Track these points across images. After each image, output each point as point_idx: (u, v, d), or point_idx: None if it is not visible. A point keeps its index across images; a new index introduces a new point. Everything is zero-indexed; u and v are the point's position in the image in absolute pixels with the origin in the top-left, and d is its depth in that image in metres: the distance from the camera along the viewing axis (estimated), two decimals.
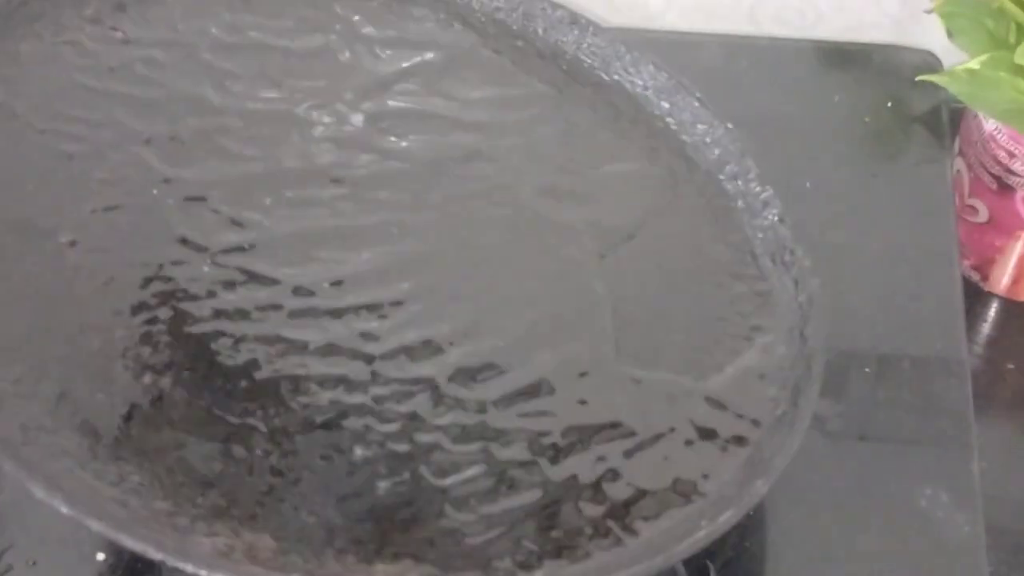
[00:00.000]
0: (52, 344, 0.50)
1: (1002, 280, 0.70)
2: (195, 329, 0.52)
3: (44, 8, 0.60)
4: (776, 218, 0.58)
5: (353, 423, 0.50)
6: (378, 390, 0.51)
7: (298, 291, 0.54)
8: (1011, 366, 0.67)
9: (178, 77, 0.61)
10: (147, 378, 0.50)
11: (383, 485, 0.49)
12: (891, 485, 0.56)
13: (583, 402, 0.52)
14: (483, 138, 0.61)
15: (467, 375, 0.52)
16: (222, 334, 0.52)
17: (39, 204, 0.54)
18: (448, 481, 0.49)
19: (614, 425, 0.51)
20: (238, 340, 0.52)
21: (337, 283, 0.54)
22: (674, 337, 0.55)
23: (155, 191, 0.56)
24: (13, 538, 0.55)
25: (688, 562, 0.51)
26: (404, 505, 0.48)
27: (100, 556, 0.54)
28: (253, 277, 0.54)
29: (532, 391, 0.52)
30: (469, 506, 0.48)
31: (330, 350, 0.52)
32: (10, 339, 0.49)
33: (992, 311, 0.70)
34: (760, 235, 0.59)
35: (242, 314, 0.53)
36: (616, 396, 0.53)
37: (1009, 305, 0.70)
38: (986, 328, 0.70)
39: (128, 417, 0.49)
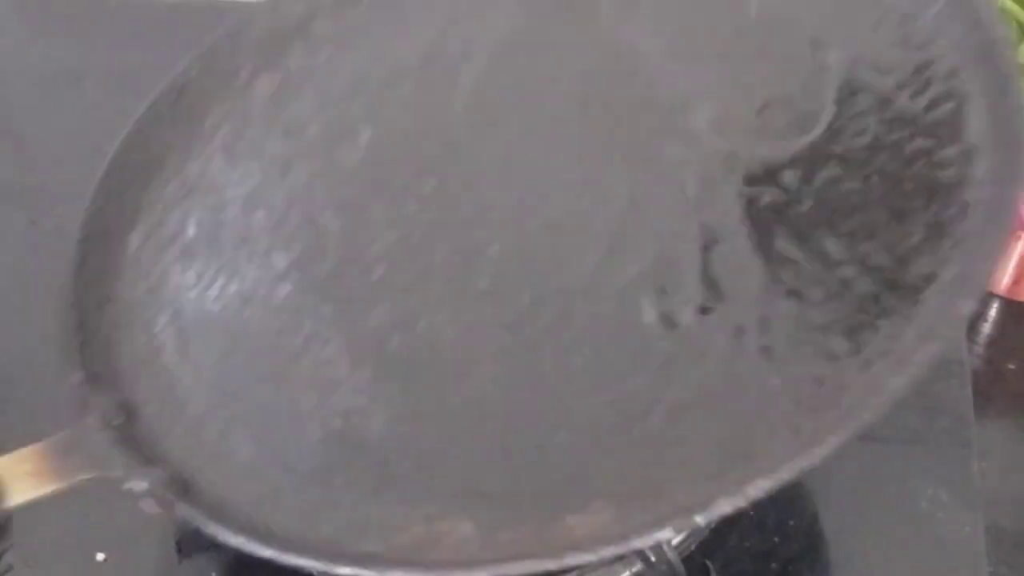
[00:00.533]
0: None
1: (1002, 280, 0.70)
2: None
3: None
4: None
5: None
6: None
7: None
8: (1011, 366, 0.67)
9: None
10: None
11: None
12: (891, 485, 0.56)
13: None
14: None
15: None
16: None
17: None
18: None
19: None
20: None
21: None
22: None
23: None
24: (13, 538, 0.55)
25: (688, 561, 0.51)
26: None
27: (100, 556, 0.54)
28: None
29: None
30: None
31: None
32: None
33: (992, 311, 0.70)
34: None
35: None
36: None
37: (1009, 305, 0.70)
38: (986, 328, 0.70)
39: None
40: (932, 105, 0.50)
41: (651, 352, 0.49)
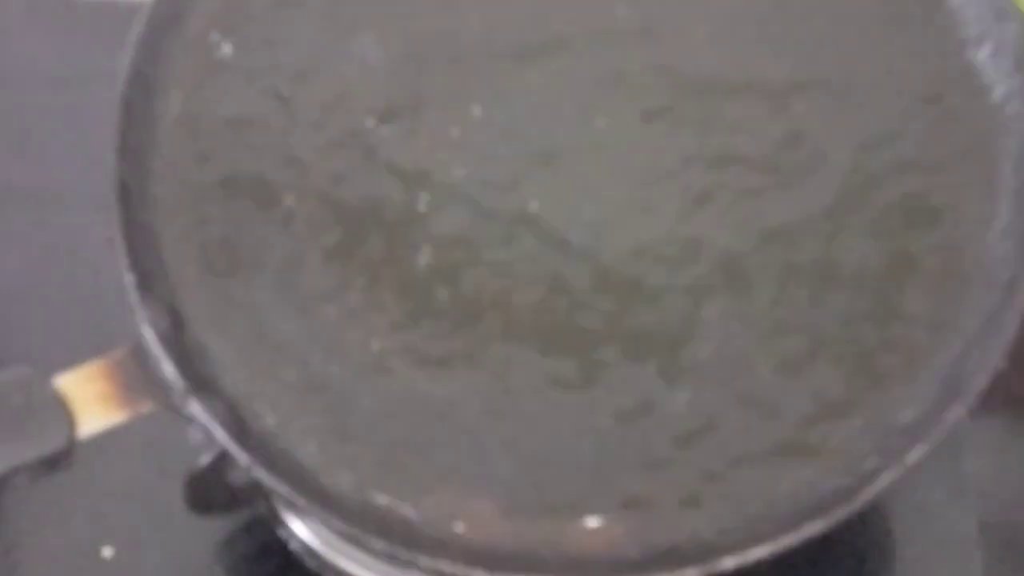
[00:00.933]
0: None
1: None
2: None
3: None
4: None
5: None
6: None
7: None
8: (1004, 365, 0.67)
9: None
10: None
11: None
12: None
13: None
14: None
15: None
16: None
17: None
18: None
19: None
20: None
21: None
22: None
23: None
24: (19, 534, 0.55)
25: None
26: None
27: (106, 551, 0.55)
28: None
29: None
30: None
31: None
32: None
33: None
34: None
35: None
36: None
37: None
38: None
39: None
40: None
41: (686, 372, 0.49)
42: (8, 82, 0.72)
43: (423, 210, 0.50)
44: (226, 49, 0.52)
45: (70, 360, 0.47)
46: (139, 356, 0.46)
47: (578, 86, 0.53)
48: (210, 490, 0.52)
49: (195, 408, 0.45)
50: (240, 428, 0.46)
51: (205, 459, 0.50)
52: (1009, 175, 0.49)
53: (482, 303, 0.50)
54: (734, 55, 0.53)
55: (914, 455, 0.45)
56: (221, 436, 0.45)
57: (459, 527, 0.46)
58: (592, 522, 0.46)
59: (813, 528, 0.44)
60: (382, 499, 0.46)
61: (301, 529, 0.52)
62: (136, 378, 0.46)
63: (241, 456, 0.45)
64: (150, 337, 0.46)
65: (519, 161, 0.52)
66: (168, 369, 0.46)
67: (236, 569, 0.55)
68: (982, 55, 0.51)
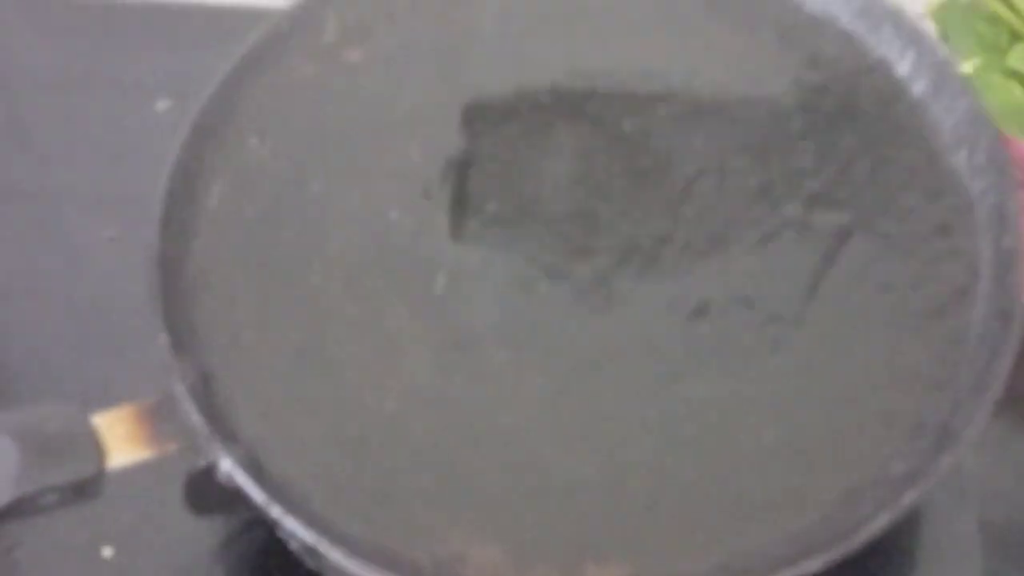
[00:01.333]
0: None
1: None
2: None
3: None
4: None
5: None
6: None
7: None
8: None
9: None
10: None
11: None
12: None
13: None
14: None
15: None
16: None
17: None
18: None
19: None
20: None
21: None
22: None
23: None
24: (20, 534, 0.55)
25: None
26: None
27: (106, 551, 0.55)
28: None
29: None
30: None
31: None
32: None
33: None
34: None
35: None
36: None
37: None
38: None
39: None
40: None
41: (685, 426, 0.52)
42: (7, 82, 0.72)
43: (439, 291, 0.56)
44: (264, 152, 0.59)
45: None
46: (169, 403, 0.50)
47: None
48: (210, 490, 0.52)
49: (218, 453, 0.49)
50: (258, 473, 0.49)
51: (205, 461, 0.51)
52: (986, 247, 0.55)
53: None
54: None
55: (906, 499, 0.48)
56: (241, 479, 0.49)
57: (469, 573, 0.49)
58: (597, 568, 0.49)
59: (809, 566, 0.47)
60: (393, 545, 0.49)
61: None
62: (165, 422, 0.50)
63: (259, 496, 0.49)
64: (180, 392, 0.50)
65: None
66: (196, 419, 0.49)
67: (236, 569, 0.55)
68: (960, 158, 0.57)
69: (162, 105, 0.67)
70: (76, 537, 0.55)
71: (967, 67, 0.62)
